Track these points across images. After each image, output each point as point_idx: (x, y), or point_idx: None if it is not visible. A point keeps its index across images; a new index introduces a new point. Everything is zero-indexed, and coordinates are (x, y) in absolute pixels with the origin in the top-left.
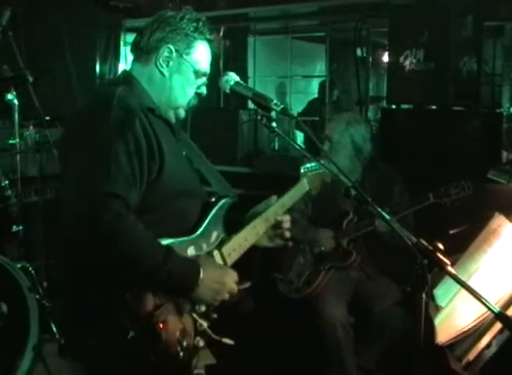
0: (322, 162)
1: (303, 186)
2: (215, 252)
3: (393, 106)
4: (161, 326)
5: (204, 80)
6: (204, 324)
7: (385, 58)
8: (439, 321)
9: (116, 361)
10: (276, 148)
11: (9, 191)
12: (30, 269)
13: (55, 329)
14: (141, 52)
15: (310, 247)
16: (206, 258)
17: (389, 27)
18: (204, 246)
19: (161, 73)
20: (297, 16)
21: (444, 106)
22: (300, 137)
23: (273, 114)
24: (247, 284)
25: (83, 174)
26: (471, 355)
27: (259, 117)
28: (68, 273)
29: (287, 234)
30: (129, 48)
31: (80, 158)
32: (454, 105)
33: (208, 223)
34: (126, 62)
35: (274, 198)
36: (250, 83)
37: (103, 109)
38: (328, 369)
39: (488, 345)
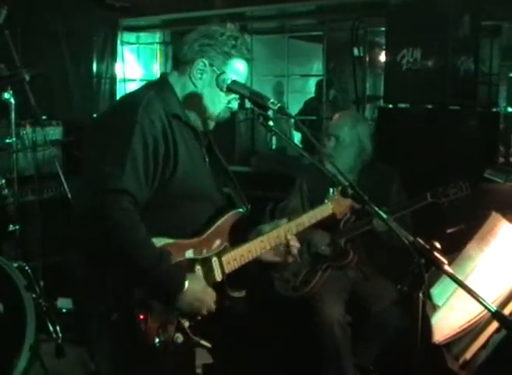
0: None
1: (326, 209)
2: (214, 259)
3: (390, 105)
4: (141, 317)
5: (235, 95)
6: (186, 324)
7: (383, 57)
8: (435, 320)
9: (110, 338)
10: (273, 147)
11: (6, 191)
12: (27, 268)
13: (51, 328)
14: (179, 61)
15: (307, 246)
16: (194, 275)
17: (387, 26)
18: (204, 251)
19: (193, 84)
20: (294, 15)
21: (441, 105)
22: (297, 136)
23: (270, 113)
24: (243, 293)
25: (100, 169)
26: (468, 354)
27: (256, 116)
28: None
29: (294, 251)
30: (126, 46)
31: (102, 153)
32: (451, 104)
33: (214, 230)
34: (122, 60)
35: (284, 220)
36: (247, 82)
37: (130, 111)
38: (326, 368)
39: (485, 344)
